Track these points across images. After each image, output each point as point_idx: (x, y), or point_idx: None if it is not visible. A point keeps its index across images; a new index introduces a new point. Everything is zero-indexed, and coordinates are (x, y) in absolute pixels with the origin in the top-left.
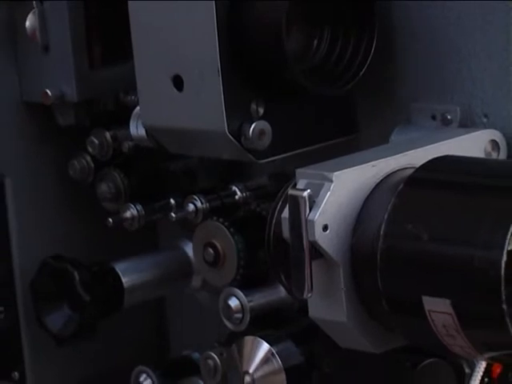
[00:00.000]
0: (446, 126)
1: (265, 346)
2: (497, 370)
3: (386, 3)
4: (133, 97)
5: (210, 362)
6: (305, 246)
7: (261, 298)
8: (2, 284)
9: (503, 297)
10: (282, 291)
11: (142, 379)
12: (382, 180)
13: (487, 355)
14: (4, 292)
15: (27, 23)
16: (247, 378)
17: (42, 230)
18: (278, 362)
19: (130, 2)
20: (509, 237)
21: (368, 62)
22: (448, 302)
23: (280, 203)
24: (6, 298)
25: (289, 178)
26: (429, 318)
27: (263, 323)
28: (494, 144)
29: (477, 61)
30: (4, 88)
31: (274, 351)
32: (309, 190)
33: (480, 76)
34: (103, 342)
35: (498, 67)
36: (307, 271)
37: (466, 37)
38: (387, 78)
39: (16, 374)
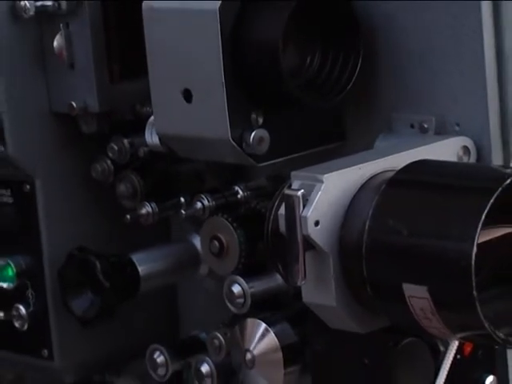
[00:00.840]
0: (423, 133)
1: (264, 327)
2: (468, 348)
3: (371, 25)
4: (148, 108)
5: (216, 341)
6: (299, 239)
7: (260, 285)
8: (34, 273)
9: (473, 284)
10: (278, 279)
11: (155, 356)
12: (366, 181)
13: (459, 335)
14: (35, 280)
15: (55, 43)
16: (248, 355)
17: (68, 226)
18: (275, 341)
19: (145, 25)
20: (479, 231)
21: (354, 77)
22: (425, 288)
23: (277, 201)
24: (36, 285)
25: (284, 180)
26: (408, 302)
27: (262, 307)
28: (466, 149)
29: (449, 75)
30: (35, 100)
31: (272, 331)
32: (302, 190)
33: (452, 89)
34: (122, 323)
35: (468, 81)
36: (301, 261)
37: (439, 54)
38: (371, 92)
39: (45, 351)
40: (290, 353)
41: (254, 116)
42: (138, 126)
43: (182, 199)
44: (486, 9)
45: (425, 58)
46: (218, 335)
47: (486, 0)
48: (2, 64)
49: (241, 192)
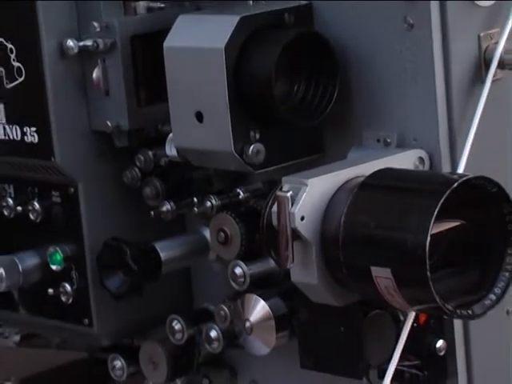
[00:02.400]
0: (386, 147)
1: (260, 301)
2: (422, 318)
3: (345, 60)
4: (167, 127)
5: (222, 312)
6: (288, 231)
7: (257, 268)
8: (77, 258)
9: (427, 267)
10: (272, 263)
11: (174, 324)
12: (342, 185)
13: (416, 308)
14: (78, 263)
15: (94, 75)
16: (247, 323)
17: (103, 220)
18: (269, 312)
19: (166, 60)
20: (432, 225)
21: (332, 102)
22: (389, 270)
23: (270, 201)
24: (79, 268)
25: (277, 183)
26: (375, 281)
27: (259, 285)
28: (421, 160)
29: (407, 99)
30: (78, 120)
31: (266, 304)
32: (291, 192)
33: (410, 110)
34: (147, 298)
35: (423, 104)
36: (289, 249)
37: (399, 82)
38: (345, 113)
39: (86, 320)
40: (281, 321)
41: (252, 133)
42: (159, 141)
43: (195, 199)
44: (437, 46)
45: (388, 85)
46: (224, 307)
47: (437, 36)
48: (52, 91)
49: (241, 193)
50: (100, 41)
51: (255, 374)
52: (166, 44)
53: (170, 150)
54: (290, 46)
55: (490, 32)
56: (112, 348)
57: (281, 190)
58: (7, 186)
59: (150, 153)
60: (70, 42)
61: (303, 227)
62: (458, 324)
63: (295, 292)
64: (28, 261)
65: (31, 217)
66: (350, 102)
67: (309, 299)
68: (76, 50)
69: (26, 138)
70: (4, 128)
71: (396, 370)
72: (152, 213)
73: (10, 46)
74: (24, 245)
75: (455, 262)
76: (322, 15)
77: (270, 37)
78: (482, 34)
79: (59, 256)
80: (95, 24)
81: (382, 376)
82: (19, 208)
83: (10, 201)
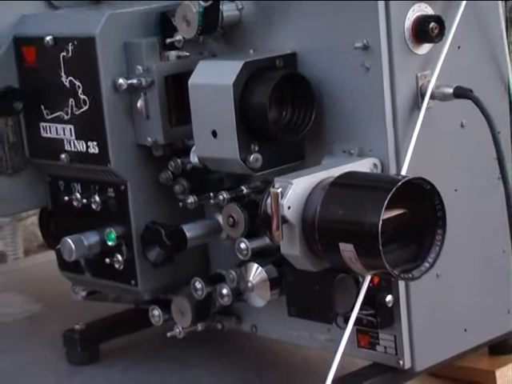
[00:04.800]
0: (350, 156)
1: (258, 267)
2: (376, 280)
3: (318, 91)
4: (191, 141)
5: (231, 275)
6: (278, 217)
7: (256, 243)
8: (126, 236)
9: (380, 243)
10: (267, 240)
11: (196, 284)
12: (318, 183)
13: (371, 272)
14: (127, 240)
15: (138, 104)
16: (249, 284)
17: (145, 209)
18: (265, 276)
19: (190, 92)
20: (383, 212)
21: (310, 123)
22: (352, 245)
23: (266, 195)
24: (128, 243)
25: (271, 182)
26: (342, 254)
27: (257, 256)
28: (375, 165)
29: (365, 122)
30: (127, 137)
31: (263, 270)
32: (281, 189)
33: (367, 130)
34: (176, 265)
35: (376, 126)
36: (280, 229)
37: (359, 109)
38: (320, 130)
39: (133, 281)
40: (274, 282)
41: (252, 146)
42: (186, 151)
43: (211, 194)
44: (386, 83)
45: (351, 112)
46: (232, 272)
47: (386, 76)
48: (108, 116)
49: (245, 190)
50: (143, 79)
51: (255, 320)
52: (190, 82)
53: (193, 158)
54: (279, 83)
55: (424, 73)
56: (151, 301)
57: (273, 187)
58: (76, 184)
59: (179, 160)
60: (121, 80)
61: (289, 214)
62: (401, 284)
63: (284, 261)
64: (91, 238)
65: (93, 207)
66: (324, 123)
67: (294, 266)
68: (125, 86)
69: (89, 149)
70: (74, 143)
71: (357, 317)
72: (180, 204)
73: (78, 83)
74: (88, 227)
75: (400, 239)
76: (303, 61)
77: (265, 76)
78: (418, 74)
79: (113, 235)
80: (139, 67)
81: (346, 321)
82: (84, 200)
83: (78, 195)
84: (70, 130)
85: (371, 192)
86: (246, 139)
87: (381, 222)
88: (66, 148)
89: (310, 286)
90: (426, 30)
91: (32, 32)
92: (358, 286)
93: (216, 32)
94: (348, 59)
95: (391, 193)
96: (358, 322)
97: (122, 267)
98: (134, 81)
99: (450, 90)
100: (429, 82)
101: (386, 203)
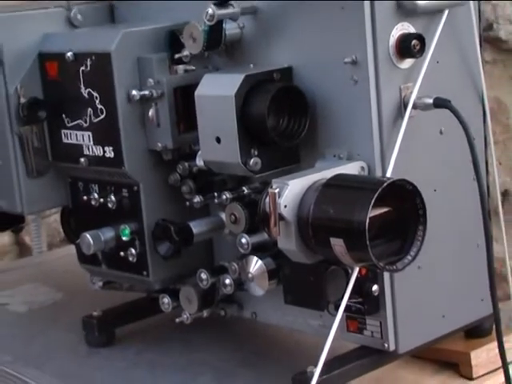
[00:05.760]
0: (340, 160)
1: (258, 260)
2: (363, 271)
3: (312, 101)
4: (197, 146)
5: (233, 267)
6: (276, 215)
7: (256, 238)
8: (139, 232)
9: (367, 238)
10: (265, 235)
11: (201, 275)
12: (311, 184)
13: (360, 264)
14: (139, 236)
15: (149, 113)
16: (249, 275)
17: (156, 208)
18: (263, 267)
19: (196, 103)
20: (370, 210)
21: (305, 131)
22: (342, 240)
23: (265, 195)
24: (140, 238)
25: (269, 183)
26: (333, 248)
27: (257, 249)
28: (362, 168)
29: (353, 129)
30: (139, 142)
31: (262, 262)
32: (278, 189)
33: (355, 136)
34: (184, 258)
35: (363, 132)
36: (277, 226)
37: (348, 119)
38: (313, 138)
39: (145, 272)
40: (271, 273)
41: (252, 151)
42: (192, 156)
43: (215, 194)
44: (373, 95)
45: (341, 120)
46: (234, 264)
47: (373, 88)
48: (122, 124)
49: (246, 190)
50: (154, 91)
51: (255, 307)
52: (196, 93)
53: (199, 162)
54: (277, 94)
55: (407, 85)
56: (162, 290)
57: (271, 187)
58: (93, 185)
59: (186, 164)
60: (134, 92)
61: (286, 212)
62: (386, 275)
63: (281, 254)
64: (107, 234)
65: (109, 205)
66: (316, 130)
67: (290, 259)
68: (138, 97)
69: (105, 154)
70: (92, 148)
71: (346, 304)
72: (187, 203)
73: (95, 94)
74: (104, 223)
75: (385, 235)
76: (298, 74)
77: (264, 88)
78: (402, 86)
79: (127, 231)
80: (150, 80)
81: (337, 309)
82: (101, 200)
83: (96, 195)
84: (89, 136)
85: (359, 192)
86: (247, 144)
87: (368, 220)
88: (84, 152)
89: (304, 277)
90: (409, 47)
91: (54, 49)
92: (348, 276)
93: (219, 48)
94: (338, 73)
95: (377, 193)
96: (347, 309)
97: (135, 260)
98: (146, 92)
99: (430, 101)
100: (411, 93)
101: (372, 202)
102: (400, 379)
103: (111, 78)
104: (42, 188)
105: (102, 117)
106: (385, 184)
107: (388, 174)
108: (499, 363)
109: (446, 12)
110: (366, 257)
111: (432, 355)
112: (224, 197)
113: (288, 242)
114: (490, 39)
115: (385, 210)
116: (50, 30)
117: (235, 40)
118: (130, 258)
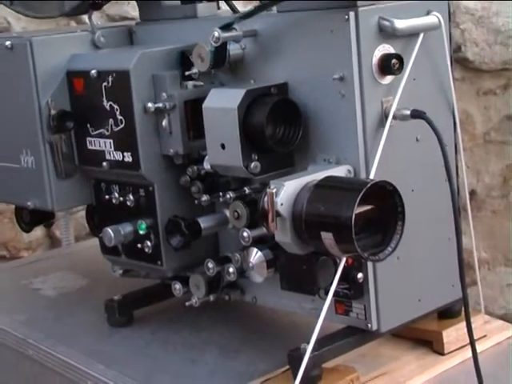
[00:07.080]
0: (329, 164)
1: (257, 251)
2: (350, 261)
3: (304, 112)
4: (205, 152)
5: (236, 257)
6: (274, 212)
7: (256, 232)
8: (154, 227)
9: (353, 232)
10: (264, 230)
11: (208, 264)
12: (304, 185)
13: (347, 255)
14: (154, 230)
15: (163, 123)
16: (250, 264)
17: (169, 205)
18: (262, 257)
19: (204, 114)
20: (355, 207)
21: (298, 138)
22: (331, 234)
23: (264, 194)
24: (155, 232)
25: (267, 184)
26: (324, 241)
27: (257, 242)
28: (349, 171)
29: (341, 135)
30: (154, 148)
31: (261, 253)
32: (275, 189)
33: (342, 142)
34: (193, 249)
35: (350, 139)
36: (274, 221)
37: (336, 124)
38: (306, 144)
39: (159, 262)
40: (270, 263)
41: (253, 155)
42: (201, 160)
43: (221, 193)
44: (358, 107)
45: (330, 129)
46: (237, 255)
47: (358, 101)
48: (139, 132)
49: (247, 190)
50: (167, 104)
51: (255, 292)
52: (204, 105)
53: (206, 165)
54: (274, 106)
55: (387, 98)
56: (174, 277)
57: (269, 188)
58: (114, 186)
59: (195, 167)
60: (150, 104)
61: (282, 209)
62: (370, 264)
63: (278, 246)
64: (126, 228)
65: (128, 203)
66: (309, 138)
67: (285, 250)
68: (153, 109)
69: (125, 159)
70: (113, 153)
71: (335, 290)
72: (196, 201)
73: (116, 106)
74: (124, 219)
75: (369, 229)
76: (293, 89)
77: (263, 101)
78: (383, 100)
79: (144, 225)
80: (164, 94)
81: (326, 294)
82: (121, 198)
83: (116, 194)
84: (110, 143)
85: (346, 192)
86: (248, 150)
87: (354, 216)
88: (106, 157)
89: (298, 266)
90: (389, 65)
91: (80, 67)
92: (336, 265)
93: (224, 66)
94: (328, 88)
95: (362, 193)
96: (335, 294)
97: (150, 251)
98: (160, 105)
99: (408, 112)
100: (391, 105)
101: (357, 201)
102: (381, 355)
103: (130, 93)
104: (70, 188)
105: (122, 126)
106: (368, 185)
107: (371, 176)
108: (467, 340)
109: (422, 35)
110: (352, 248)
111: (409, 334)
112: (228, 196)
113: (284, 236)
114: (459, 59)
115: (368, 207)
116: (76, 50)
117: (238, 59)
118: (146, 250)
